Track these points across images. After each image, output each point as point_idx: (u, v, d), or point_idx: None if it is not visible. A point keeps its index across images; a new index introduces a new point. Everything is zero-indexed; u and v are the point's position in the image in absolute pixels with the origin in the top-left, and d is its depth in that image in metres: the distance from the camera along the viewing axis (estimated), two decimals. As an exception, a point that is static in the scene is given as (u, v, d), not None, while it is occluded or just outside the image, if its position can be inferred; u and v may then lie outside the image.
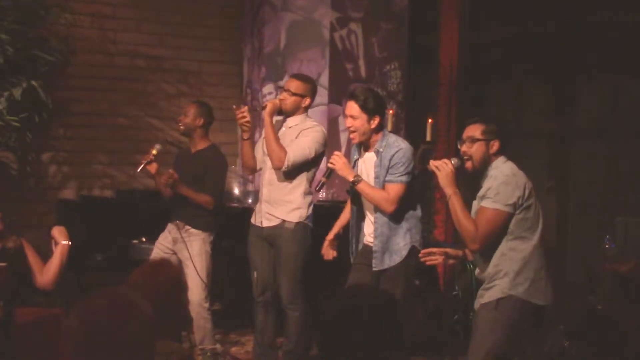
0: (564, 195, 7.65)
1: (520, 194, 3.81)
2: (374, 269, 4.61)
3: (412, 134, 5.65)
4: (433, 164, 3.97)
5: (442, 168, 3.88)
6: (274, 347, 5.24)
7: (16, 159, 6.79)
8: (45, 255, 4.47)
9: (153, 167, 5.36)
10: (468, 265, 5.88)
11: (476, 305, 4.01)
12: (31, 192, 6.91)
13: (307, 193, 5.08)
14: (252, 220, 5.20)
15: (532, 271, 3.87)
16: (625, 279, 5.20)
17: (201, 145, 5.55)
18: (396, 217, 4.60)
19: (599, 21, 7.06)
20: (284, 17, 7.15)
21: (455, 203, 3.83)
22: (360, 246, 4.77)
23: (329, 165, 4.63)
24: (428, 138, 6.67)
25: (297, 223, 5.02)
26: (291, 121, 5.06)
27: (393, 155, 4.56)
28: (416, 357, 5.58)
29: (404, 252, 4.60)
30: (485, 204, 3.80)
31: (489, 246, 3.87)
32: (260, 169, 5.21)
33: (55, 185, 7.06)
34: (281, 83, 7.11)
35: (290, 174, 4.98)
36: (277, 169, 4.96)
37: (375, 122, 4.58)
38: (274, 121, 5.00)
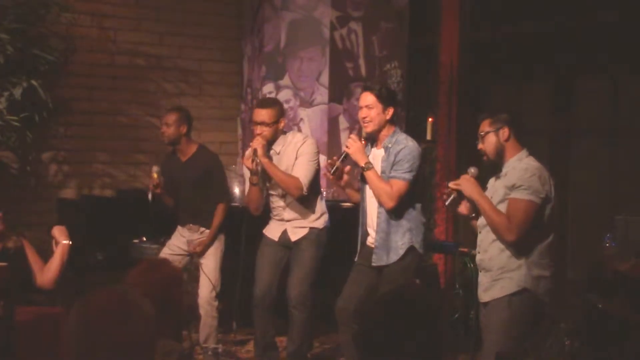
0: (565, 193, 7.64)
1: (548, 188, 3.86)
2: (373, 264, 4.63)
3: (413, 133, 5.63)
4: (453, 185, 4.05)
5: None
6: (274, 347, 5.25)
7: (16, 159, 6.79)
8: (45, 254, 4.47)
9: (159, 189, 5.42)
10: (468, 264, 5.88)
11: (482, 295, 3.97)
12: (31, 191, 6.91)
13: (322, 196, 5.21)
14: (268, 234, 5.20)
15: (546, 268, 3.88)
16: (626, 278, 5.20)
17: (191, 149, 5.58)
18: (397, 214, 4.60)
19: (600, 20, 7.05)
20: (284, 16, 7.15)
21: (485, 203, 3.88)
22: (364, 248, 4.78)
23: (344, 148, 4.70)
24: (428, 137, 6.69)
25: (323, 228, 5.12)
26: (276, 145, 5.08)
27: (399, 152, 4.58)
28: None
29: (401, 252, 4.60)
30: (518, 195, 3.80)
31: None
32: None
33: (56, 184, 7.06)
34: (281, 82, 7.11)
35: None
36: (299, 196, 5.00)
37: (389, 113, 4.64)
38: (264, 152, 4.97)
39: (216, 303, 5.48)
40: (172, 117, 5.52)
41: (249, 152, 5.03)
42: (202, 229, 5.51)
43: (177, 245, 5.56)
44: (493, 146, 3.93)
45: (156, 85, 7.42)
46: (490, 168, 4.07)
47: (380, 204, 4.61)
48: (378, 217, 4.63)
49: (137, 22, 7.35)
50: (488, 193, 4.01)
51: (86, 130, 7.15)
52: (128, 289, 2.19)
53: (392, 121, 4.68)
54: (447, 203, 4.13)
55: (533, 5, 7.37)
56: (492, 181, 4.06)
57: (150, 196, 5.44)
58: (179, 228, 5.59)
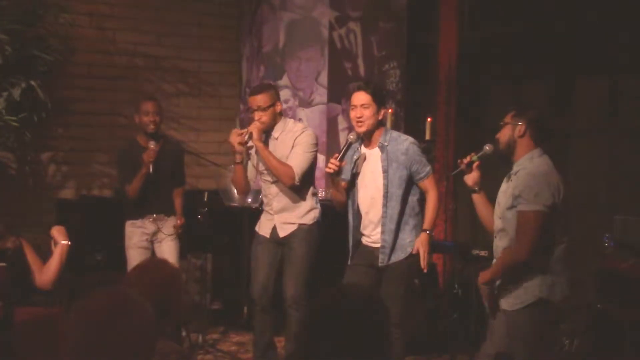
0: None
1: (556, 192, 3.75)
2: (380, 265, 4.62)
3: (412, 132, 5.63)
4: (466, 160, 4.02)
5: None
6: (272, 347, 5.25)
7: (15, 159, 6.79)
8: (44, 255, 4.46)
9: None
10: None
11: (499, 300, 3.91)
12: (30, 191, 6.91)
13: (314, 193, 5.15)
14: (260, 231, 5.18)
15: (560, 273, 3.80)
16: (625, 278, 5.21)
17: (159, 139, 5.66)
18: (404, 212, 4.62)
19: (599, 20, 7.05)
20: (283, 16, 7.15)
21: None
22: (359, 248, 4.77)
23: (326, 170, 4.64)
24: (427, 137, 6.67)
25: (312, 224, 5.07)
26: (275, 131, 5.05)
27: (407, 149, 4.59)
28: (416, 356, 5.57)
29: (409, 249, 4.62)
30: (524, 207, 3.71)
31: (506, 239, 3.81)
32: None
33: (55, 184, 7.05)
34: (280, 82, 7.12)
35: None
36: (290, 185, 4.97)
37: (382, 113, 4.64)
38: (263, 138, 4.98)
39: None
40: (156, 107, 5.63)
41: (241, 132, 5.01)
42: (166, 217, 5.62)
43: (142, 240, 5.57)
44: (506, 138, 3.88)
45: (155, 85, 7.42)
46: (500, 162, 4.02)
47: (387, 206, 4.60)
48: (383, 217, 4.61)
49: (136, 22, 7.35)
50: (502, 193, 3.91)
51: (85, 131, 7.15)
52: (127, 289, 2.19)
53: (382, 122, 4.70)
54: (452, 173, 4.11)
55: (531, 5, 7.36)
56: (505, 181, 3.98)
57: (151, 168, 5.42)
58: (136, 223, 5.58)
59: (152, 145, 5.44)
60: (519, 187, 3.76)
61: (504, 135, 3.91)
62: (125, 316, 2.02)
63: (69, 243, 4.40)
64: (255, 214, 5.36)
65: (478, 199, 4.05)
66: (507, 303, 3.85)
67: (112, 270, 5.66)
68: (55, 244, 4.39)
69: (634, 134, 7.19)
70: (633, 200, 6.74)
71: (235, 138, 4.95)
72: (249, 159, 5.10)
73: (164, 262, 3.16)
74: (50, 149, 7.03)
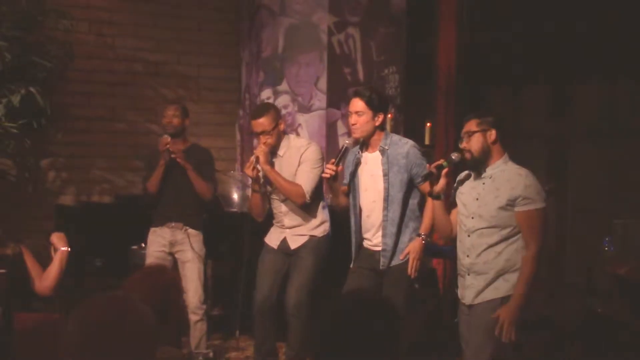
0: (563, 197, 7.65)
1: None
2: (382, 268, 4.62)
3: (411, 137, 5.64)
4: (433, 166, 4.04)
5: None
6: (274, 353, 5.24)
7: (15, 165, 6.79)
8: (44, 261, 4.47)
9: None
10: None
11: (472, 299, 3.93)
12: (30, 198, 6.91)
13: (324, 206, 5.16)
14: (268, 242, 5.19)
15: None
16: (625, 281, 5.21)
17: (187, 142, 5.64)
18: (405, 216, 4.62)
19: (598, 23, 7.06)
20: (282, 21, 7.15)
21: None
22: (361, 251, 4.77)
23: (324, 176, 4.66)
24: (427, 142, 6.69)
25: (323, 236, 5.09)
26: (280, 149, 5.07)
27: (408, 152, 4.58)
28: (416, 358, 5.57)
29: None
30: (532, 205, 3.81)
31: (495, 236, 3.86)
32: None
33: (54, 190, 7.06)
34: (279, 88, 7.11)
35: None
36: (302, 204, 4.98)
37: (379, 119, 4.61)
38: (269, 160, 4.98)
39: (204, 306, 5.51)
40: (177, 109, 5.61)
41: (251, 160, 5.02)
42: (186, 227, 5.52)
43: (157, 250, 5.53)
44: (480, 146, 3.92)
45: (154, 91, 7.43)
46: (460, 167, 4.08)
47: (387, 210, 4.60)
48: (384, 221, 4.61)
49: (135, 28, 7.36)
50: (467, 194, 3.99)
51: (84, 137, 7.15)
52: (127, 295, 2.19)
53: (381, 127, 4.68)
54: (420, 174, 4.21)
55: (530, 9, 7.38)
56: (468, 183, 4.02)
57: (168, 157, 5.41)
58: (156, 230, 5.55)
59: (165, 137, 5.44)
60: (518, 188, 3.82)
61: (475, 143, 3.94)
62: (125, 322, 2.02)
63: (69, 249, 4.41)
64: (260, 220, 5.35)
65: (438, 205, 4.11)
66: (482, 297, 3.89)
67: (112, 277, 5.66)
68: (55, 250, 4.40)
69: (632, 137, 7.20)
70: (632, 203, 6.75)
71: (249, 170, 4.99)
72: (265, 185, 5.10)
73: (164, 269, 3.16)
74: (50, 155, 7.04)
